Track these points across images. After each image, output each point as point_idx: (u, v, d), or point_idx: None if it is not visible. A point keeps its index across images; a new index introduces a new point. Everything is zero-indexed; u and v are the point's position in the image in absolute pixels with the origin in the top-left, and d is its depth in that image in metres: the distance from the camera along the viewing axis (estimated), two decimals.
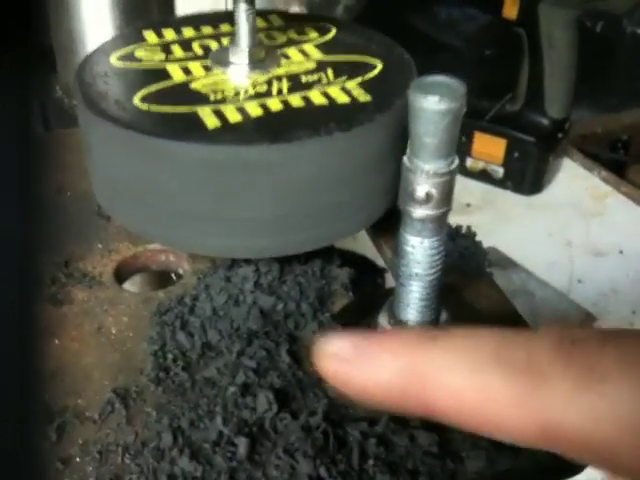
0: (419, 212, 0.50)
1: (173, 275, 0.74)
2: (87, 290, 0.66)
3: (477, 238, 0.69)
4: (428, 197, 0.50)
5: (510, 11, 2.01)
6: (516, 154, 1.86)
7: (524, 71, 1.90)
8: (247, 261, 0.65)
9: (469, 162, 1.93)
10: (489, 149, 1.91)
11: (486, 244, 0.69)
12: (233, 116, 0.54)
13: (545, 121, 1.87)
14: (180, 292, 0.65)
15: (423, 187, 0.49)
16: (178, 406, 0.54)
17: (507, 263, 1.61)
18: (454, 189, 0.51)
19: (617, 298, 1.54)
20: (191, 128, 0.53)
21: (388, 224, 0.67)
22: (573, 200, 1.88)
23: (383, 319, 0.58)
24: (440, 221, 0.52)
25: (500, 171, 1.90)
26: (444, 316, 0.58)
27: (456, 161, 0.50)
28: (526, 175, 1.88)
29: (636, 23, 2.27)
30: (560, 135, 1.89)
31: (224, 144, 0.51)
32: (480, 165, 1.91)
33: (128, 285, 0.71)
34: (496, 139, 1.90)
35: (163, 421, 0.52)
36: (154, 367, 0.57)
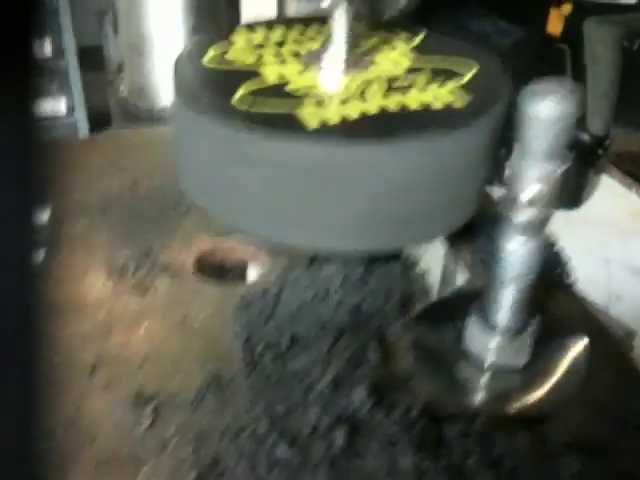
0: (521, 216, 0.51)
1: (248, 270, 0.75)
2: (169, 280, 0.67)
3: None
4: (532, 201, 0.50)
5: (555, 27, 2.01)
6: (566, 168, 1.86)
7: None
8: (328, 259, 0.66)
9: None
10: None
11: None
12: (332, 117, 0.55)
13: (586, 137, 1.87)
14: (261, 286, 0.66)
15: (528, 191, 0.50)
16: (270, 395, 0.55)
17: None
18: (557, 192, 0.51)
19: None
20: (292, 128, 0.54)
21: (467, 228, 0.68)
22: (611, 217, 1.87)
23: (473, 322, 0.58)
24: (541, 226, 0.52)
25: None
26: (534, 323, 0.58)
27: (563, 166, 0.51)
28: (565, 190, 1.88)
29: None
30: (600, 152, 1.89)
31: (325, 145, 0.52)
32: None
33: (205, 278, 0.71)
34: None
35: (258, 408, 0.53)
36: (244, 357, 0.58)
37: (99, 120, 2.00)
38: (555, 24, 1.98)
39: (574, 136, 1.79)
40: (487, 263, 0.69)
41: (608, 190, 2.04)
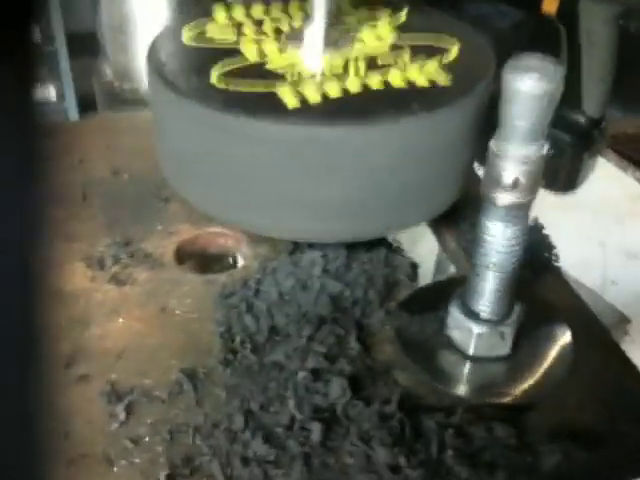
0: (505, 199, 0.49)
1: (230, 259, 0.74)
2: (149, 271, 0.65)
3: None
4: (515, 183, 0.49)
5: (549, 6, 1.98)
6: (550, 151, 1.84)
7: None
8: (311, 246, 0.64)
9: None
10: None
11: None
12: (312, 96, 0.53)
13: (581, 119, 1.85)
14: (242, 276, 0.64)
15: (511, 172, 0.48)
16: (247, 389, 0.53)
17: None
18: (541, 176, 0.50)
19: None
20: (272, 107, 0.52)
21: (449, 214, 0.66)
22: (607, 200, 1.85)
23: (454, 309, 0.57)
24: (525, 209, 0.51)
25: None
26: (518, 309, 0.57)
27: (545, 146, 0.49)
28: (560, 173, 1.86)
29: None
30: (596, 133, 1.87)
31: (306, 124, 0.50)
32: None
33: (186, 267, 0.70)
34: None
35: (233, 403, 0.52)
36: (222, 349, 0.56)
37: (90, 107, 1.98)
38: (550, 3, 1.95)
39: (569, 117, 1.77)
40: (469, 250, 0.68)
41: (604, 173, 2.02)
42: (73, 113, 2.11)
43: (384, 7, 0.66)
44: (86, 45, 2.16)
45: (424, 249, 0.84)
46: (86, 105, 2.08)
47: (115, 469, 0.49)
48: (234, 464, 0.48)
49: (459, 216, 0.69)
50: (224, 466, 0.48)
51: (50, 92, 2.04)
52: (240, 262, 0.70)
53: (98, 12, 2.03)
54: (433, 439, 0.48)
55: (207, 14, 0.65)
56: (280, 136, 0.51)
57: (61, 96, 2.08)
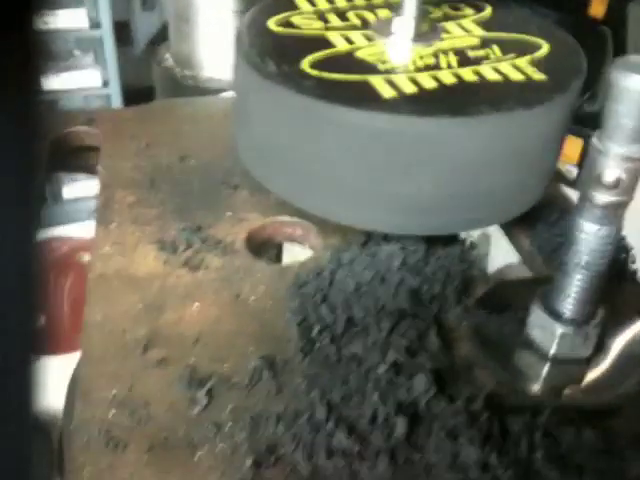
0: (604, 197, 0.48)
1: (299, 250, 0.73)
2: (221, 257, 0.65)
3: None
4: (617, 182, 0.47)
5: (597, 9, 1.95)
6: None
7: (605, 70, 1.85)
8: (385, 239, 0.63)
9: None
10: (565, 148, 1.87)
11: None
12: (407, 87, 0.52)
13: None
14: (314, 266, 0.63)
15: (613, 171, 0.47)
16: (327, 379, 0.53)
17: None
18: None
19: None
20: (366, 97, 0.51)
21: (525, 214, 0.65)
22: None
23: (537, 308, 0.56)
24: (622, 209, 0.50)
25: (575, 171, 1.85)
26: (601, 312, 0.56)
27: None
28: None
29: None
30: None
31: (403, 114, 0.50)
32: None
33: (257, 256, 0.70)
34: (572, 139, 1.84)
35: (314, 393, 0.51)
36: (300, 338, 0.56)
37: (131, 93, 1.99)
38: (597, 6, 1.91)
39: None
40: (545, 250, 0.67)
41: None
42: (116, 99, 2.12)
43: (465, 5, 0.65)
44: (125, 35, 2.18)
45: (488, 245, 0.83)
46: (129, 93, 2.10)
47: (198, 455, 0.48)
48: (318, 455, 0.47)
49: (533, 216, 0.68)
50: (308, 456, 0.47)
51: (96, 78, 2.06)
52: (309, 252, 0.69)
53: (131, 4, 2.04)
54: (522, 439, 0.47)
55: (291, 3, 0.65)
56: (377, 125, 0.50)
57: (105, 82, 2.10)
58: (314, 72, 0.53)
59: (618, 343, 0.59)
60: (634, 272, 0.66)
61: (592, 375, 0.56)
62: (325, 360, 0.55)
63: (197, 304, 0.60)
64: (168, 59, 1.15)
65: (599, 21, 1.94)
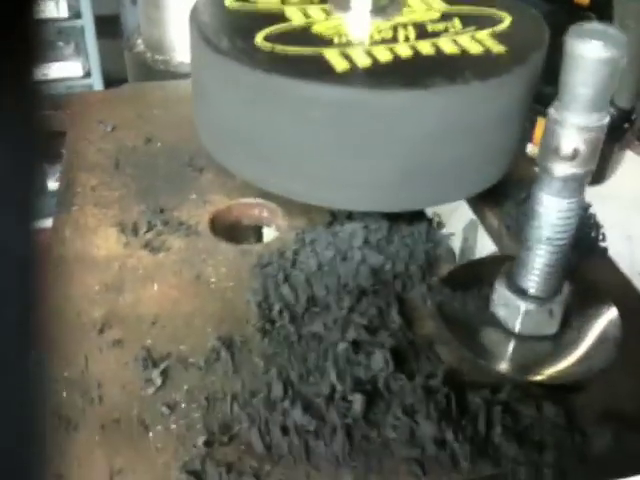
0: (562, 169, 0.47)
1: (263, 231, 0.72)
2: (184, 239, 0.64)
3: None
4: (575, 153, 0.47)
5: None
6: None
7: None
8: (350, 219, 0.62)
9: (530, 148, 1.88)
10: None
11: None
12: (362, 60, 0.51)
13: (611, 110, 1.82)
14: (278, 246, 0.62)
15: (571, 141, 0.46)
16: (285, 358, 0.52)
17: None
18: (600, 147, 0.48)
19: None
20: (320, 70, 0.50)
21: (491, 192, 0.64)
22: (635, 193, 1.82)
23: (501, 286, 0.55)
24: (582, 181, 0.49)
25: None
26: (566, 288, 0.55)
27: (607, 117, 0.47)
28: None
29: None
30: (626, 125, 1.83)
31: (356, 87, 0.49)
32: None
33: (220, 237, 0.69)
34: None
35: (271, 372, 0.50)
36: (259, 318, 0.55)
37: (114, 85, 1.98)
38: None
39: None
40: (514, 229, 0.66)
41: (632, 166, 1.99)
42: (99, 89, 2.10)
43: None
44: (113, 28, 2.16)
45: (457, 224, 0.82)
46: (110, 83, 2.08)
47: (150, 434, 0.47)
48: (273, 433, 0.47)
49: (501, 194, 0.67)
50: (263, 434, 0.46)
51: (77, 68, 2.04)
52: (274, 234, 0.68)
53: None
54: (480, 415, 0.47)
55: None
56: (327, 99, 0.49)
57: (87, 72, 2.08)
58: (267, 46, 0.52)
59: (585, 321, 0.58)
60: (604, 250, 0.65)
61: (558, 352, 0.55)
62: (285, 339, 0.54)
63: (156, 285, 0.59)
64: (140, 45, 1.14)
65: (585, 8, 1.94)
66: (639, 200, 1.86)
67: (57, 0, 1.90)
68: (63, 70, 2.01)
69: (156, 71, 1.10)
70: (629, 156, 2.02)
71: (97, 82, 2.08)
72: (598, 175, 1.90)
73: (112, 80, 2.06)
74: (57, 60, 2.02)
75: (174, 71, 1.07)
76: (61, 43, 2.08)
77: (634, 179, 1.94)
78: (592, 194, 1.92)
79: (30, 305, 0.22)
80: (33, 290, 0.22)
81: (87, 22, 1.97)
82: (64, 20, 1.92)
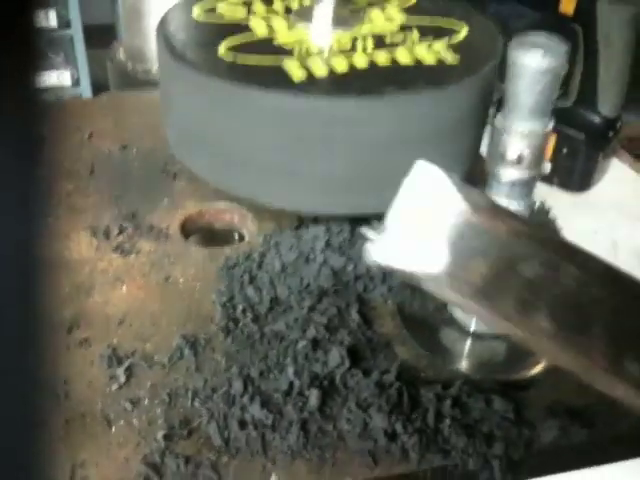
0: (509, 174, 0.50)
1: (237, 236, 0.74)
2: (154, 242, 0.66)
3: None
4: (520, 158, 0.49)
5: (567, 6, 1.97)
6: (565, 150, 1.82)
7: (577, 67, 1.87)
8: (316, 222, 0.64)
9: None
10: None
11: None
12: (319, 70, 0.53)
13: (596, 119, 1.84)
14: (246, 249, 0.64)
15: (515, 147, 0.48)
16: (247, 356, 0.54)
17: None
18: (545, 152, 0.50)
19: None
20: (278, 79, 0.52)
21: None
22: (620, 201, 1.84)
23: None
24: (529, 185, 0.51)
25: (547, 166, 1.87)
26: None
27: (551, 123, 0.49)
28: (574, 172, 1.84)
29: None
30: (611, 134, 1.86)
31: (310, 96, 0.51)
32: None
33: (191, 241, 0.70)
34: None
35: (233, 369, 0.52)
36: (223, 317, 0.57)
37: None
38: (567, 3, 1.93)
39: (585, 117, 1.74)
40: None
41: (618, 174, 2.01)
42: (88, 97, 2.12)
43: None
44: (105, 38, 2.18)
45: None
46: (99, 92, 2.10)
47: (113, 429, 0.49)
48: (231, 427, 0.48)
49: None
50: (221, 429, 0.48)
51: (66, 77, 2.06)
52: (245, 237, 0.70)
53: (116, 7, 2.05)
54: (430, 408, 0.48)
55: None
56: (286, 107, 0.51)
57: (76, 81, 2.10)
58: (229, 57, 0.54)
59: None
60: None
61: (510, 350, 0.57)
62: (247, 338, 0.56)
63: (125, 287, 0.61)
64: (121, 54, 1.16)
65: (569, 18, 1.96)
66: (624, 208, 1.88)
67: (46, 10, 1.92)
68: (52, 79, 2.03)
69: (137, 80, 1.12)
70: (614, 164, 2.04)
71: (86, 91, 2.10)
72: (583, 183, 1.92)
73: (102, 89, 2.09)
74: (46, 69, 2.04)
75: (155, 80, 1.09)
76: (50, 53, 2.11)
77: (619, 187, 1.96)
78: (578, 201, 1.94)
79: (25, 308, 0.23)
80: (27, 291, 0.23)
81: (76, 32, 2.00)
82: (53, 30, 1.94)
